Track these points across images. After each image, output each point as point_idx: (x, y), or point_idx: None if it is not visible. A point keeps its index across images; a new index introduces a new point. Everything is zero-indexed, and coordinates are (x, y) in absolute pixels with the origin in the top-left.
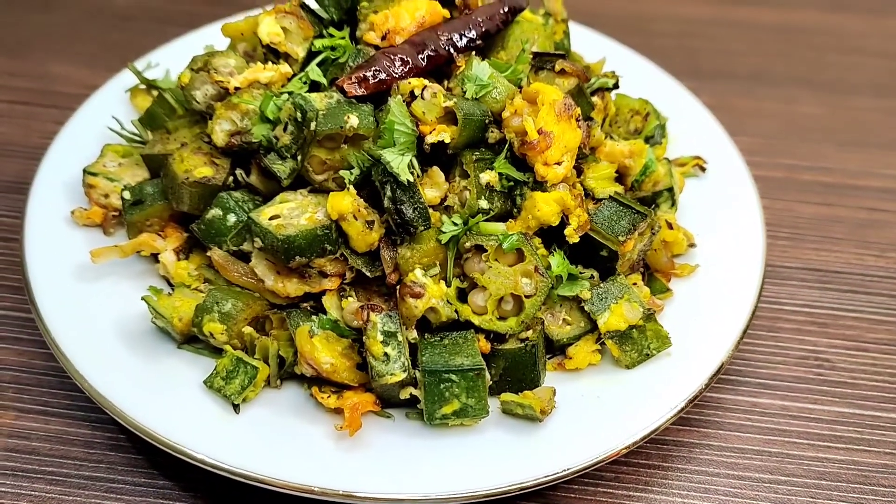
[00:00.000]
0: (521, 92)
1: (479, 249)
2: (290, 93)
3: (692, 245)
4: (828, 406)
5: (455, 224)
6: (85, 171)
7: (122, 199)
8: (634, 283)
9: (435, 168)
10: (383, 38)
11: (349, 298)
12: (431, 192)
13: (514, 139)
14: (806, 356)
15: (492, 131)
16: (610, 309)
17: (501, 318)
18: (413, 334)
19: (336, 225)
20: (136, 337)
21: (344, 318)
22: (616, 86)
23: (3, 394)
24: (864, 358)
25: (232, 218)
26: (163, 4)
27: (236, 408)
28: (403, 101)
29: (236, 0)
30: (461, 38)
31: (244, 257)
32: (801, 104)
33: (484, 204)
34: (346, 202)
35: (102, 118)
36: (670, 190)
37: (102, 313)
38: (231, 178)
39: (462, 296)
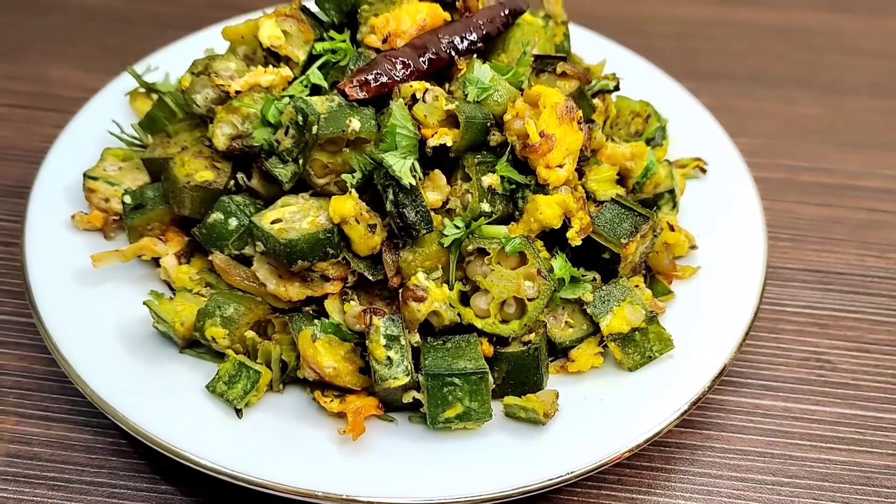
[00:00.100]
0: (522, 95)
1: (482, 253)
2: (291, 96)
3: (693, 247)
4: (830, 407)
5: (457, 227)
6: (85, 176)
7: (123, 203)
8: (636, 286)
9: (437, 171)
10: (384, 41)
11: (351, 302)
12: (433, 195)
13: (515, 142)
14: (808, 357)
15: (493, 134)
16: (612, 311)
17: (504, 322)
18: (416, 338)
19: (338, 228)
20: (138, 341)
21: (346, 321)
22: (617, 88)
23: (4, 399)
24: (865, 359)
25: (233, 222)
26: (161, 7)
27: (239, 412)
28: (405, 104)
29: (235, 3)
30: (462, 41)
31: (246, 261)
32: (800, 105)
33: (486, 207)
34: (348, 206)
35: (102, 122)
36: (671, 192)
37: (103, 318)
38: (232, 182)
39: (464, 299)
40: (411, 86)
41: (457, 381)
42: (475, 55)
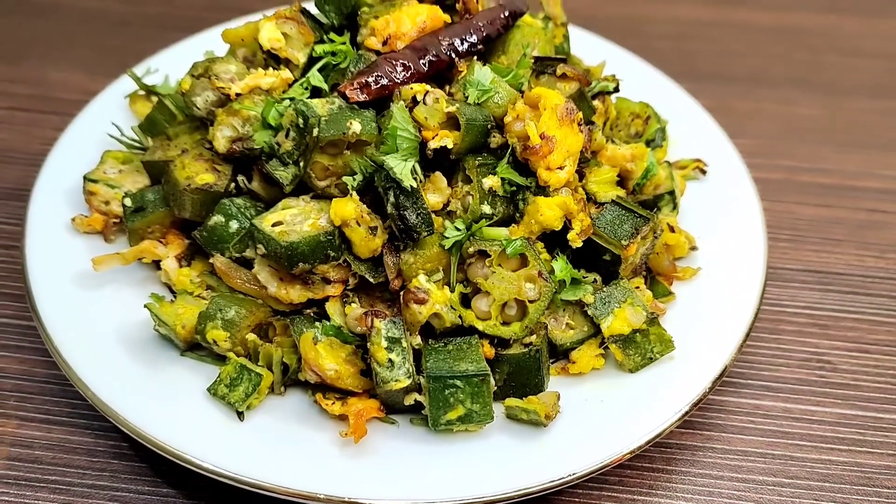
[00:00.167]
0: (522, 97)
1: (483, 255)
2: (291, 99)
3: (694, 248)
4: (830, 408)
5: (458, 229)
6: (85, 178)
7: (124, 206)
8: (637, 287)
9: (437, 173)
10: (384, 43)
11: (352, 305)
12: (434, 197)
13: (516, 144)
14: (808, 358)
15: (494, 136)
16: (613, 313)
17: (505, 324)
18: (417, 340)
19: (339, 231)
20: (139, 344)
21: (347, 324)
22: (616, 89)
23: (5, 402)
24: (865, 360)
25: (234, 225)
26: (160, 9)
27: (240, 415)
28: (406, 106)
29: (234, 4)
30: (462, 43)
31: (247, 264)
32: (799, 105)
33: (487, 209)
34: (349, 208)
35: (102, 124)
36: (671, 193)
37: (104, 321)
38: (233, 185)
39: (465, 301)
40: (412, 88)
41: (458, 383)
42: (475, 57)
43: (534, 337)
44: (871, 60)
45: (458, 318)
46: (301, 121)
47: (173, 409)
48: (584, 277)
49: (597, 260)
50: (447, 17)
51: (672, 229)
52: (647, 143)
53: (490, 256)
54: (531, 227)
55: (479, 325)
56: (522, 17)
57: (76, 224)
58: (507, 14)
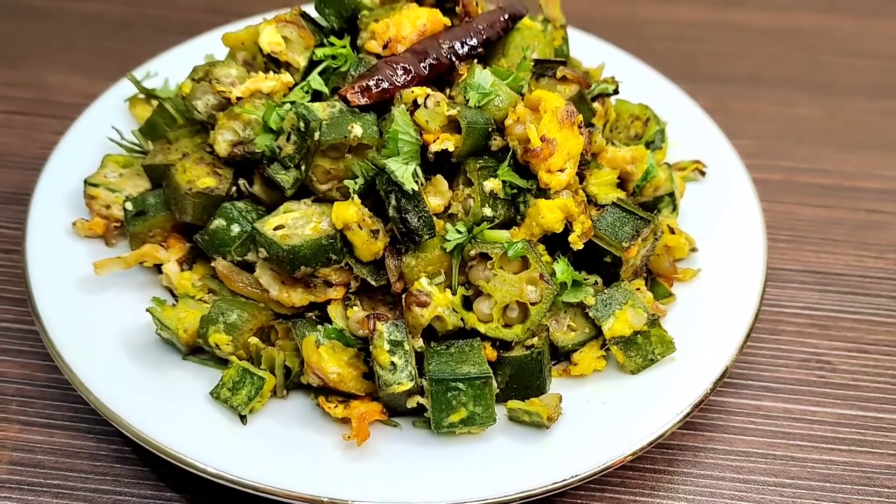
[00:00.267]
0: (522, 99)
1: (484, 257)
2: (292, 102)
3: (694, 249)
4: (830, 408)
5: (459, 232)
6: (86, 182)
7: (125, 209)
8: (638, 289)
9: (438, 176)
10: (385, 46)
11: (354, 308)
12: (435, 200)
13: (517, 147)
14: (808, 359)
15: (495, 139)
16: (614, 315)
17: (507, 326)
18: (419, 343)
19: (341, 234)
20: (141, 348)
21: (349, 327)
22: (616, 91)
23: (7, 407)
24: (865, 360)
25: (236, 228)
26: (160, 12)
27: (243, 419)
28: (406, 109)
29: (232, 8)
30: (462, 46)
31: (248, 267)
32: (797, 106)
33: (488, 212)
34: (350, 211)
35: (102, 128)
36: (671, 195)
37: (106, 325)
38: (234, 189)
39: (467, 304)
40: (413, 91)
41: (461, 385)
42: (475, 60)
43: (535, 339)
44: (869, 61)
45: (460, 320)
46: (302, 124)
47: (176, 412)
48: (585, 279)
49: (598, 262)
50: (447, 21)
51: (672, 231)
52: (647, 145)
53: (491, 259)
54: (532, 229)
55: (481, 328)
56: (522, 20)
57: (77, 228)
58: (506, 17)
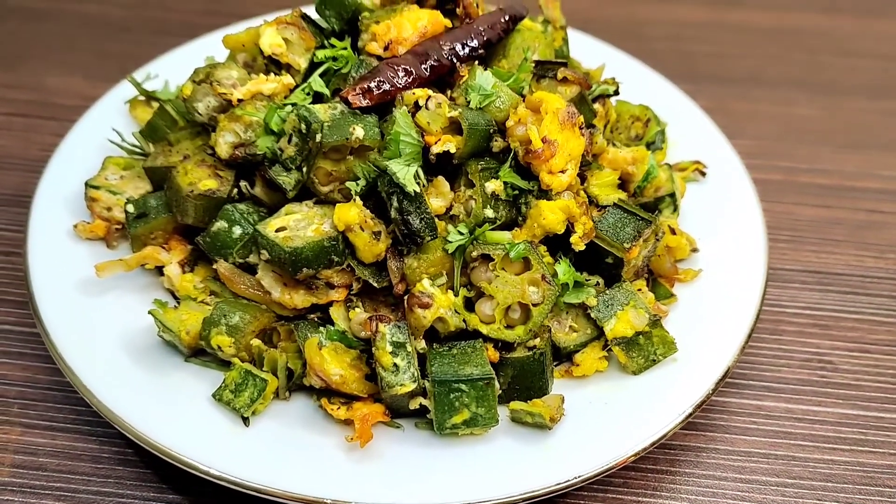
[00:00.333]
0: (524, 101)
1: (486, 258)
2: (293, 104)
3: (695, 250)
4: (832, 408)
5: (461, 233)
6: (87, 185)
7: (126, 212)
8: (639, 290)
9: (440, 178)
10: (386, 48)
11: (356, 309)
12: (437, 201)
13: (518, 148)
14: (809, 359)
15: (496, 140)
16: (616, 315)
17: (509, 327)
18: (421, 344)
19: (343, 236)
20: (143, 350)
21: (352, 329)
22: (616, 92)
23: (9, 409)
24: (866, 360)
25: (237, 230)
26: (159, 14)
27: (246, 421)
28: (408, 111)
29: (233, 10)
30: (463, 48)
31: (250, 269)
32: (797, 106)
33: (490, 213)
34: (352, 213)
35: (102, 130)
36: (672, 195)
37: (108, 327)
38: (235, 191)
39: (469, 305)
40: (414, 93)
41: (463, 387)
42: (476, 61)
43: (537, 340)
44: (869, 61)
45: (462, 321)
46: (304, 126)
47: (178, 414)
48: (586, 280)
49: (599, 263)
50: (448, 22)
51: (673, 231)
52: (648, 146)
53: (493, 260)
54: (534, 230)
55: (483, 329)
56: (522, 21)
57: (78, 230)
58: (507, 18)
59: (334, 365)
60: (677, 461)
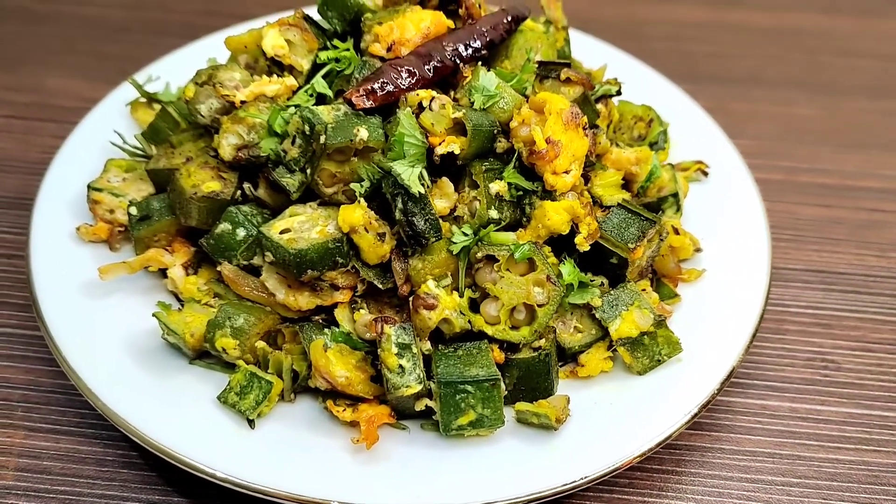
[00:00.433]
0: (527, 101)
1: (491, 259)
2: (297, 106)
3: (698, 250)
4: (836, 407)
5: (466, 234)
6: (89, 187)
7: (129, 214)
8: (643, 290)
9: (444, 179)
10: (388, 49)
11: (361, 311)
12: (441, 202)
13: (522, 149)
14: (812, 358)
15: (500, 141)
16: (621, 316)
17: (514, 328)
18: (427, 346)
19: (347, 238)
20: (147, 353)
21: (356, 330)
22: (619, 92)
23: (13, 413)
24: (869, 358)
25: (241, 232)
26: (158, 16)
27: (251, 423)
28: (412, 112)
29: (233, 11)
30: (466, 49)
31: (254, 271)
32: (797, 106)
33: (494, 214)
34: (357, 215)
35: (103, 132)
36: (675, 195)
37: (111, 330)
38: (239, 192)
39: (474, 306)
40: (418, 94)
41: (469, 388)
42: (479, 62)
43: (543, 341)
44: (868, 61)
45: (468, 323)
46: (307, 128)
47: (183, 416)
48: (591, 281)
49: (603, 263)
50: (450, 23)
51: (676, 231)
52: (650, 146)
53: (498, 261)
54: (538, 231)
55: (489, 330)
56: (524, 22)
57: (81, 233)
58: (509, 19)
59: (340, 367)
60: (683, 461)
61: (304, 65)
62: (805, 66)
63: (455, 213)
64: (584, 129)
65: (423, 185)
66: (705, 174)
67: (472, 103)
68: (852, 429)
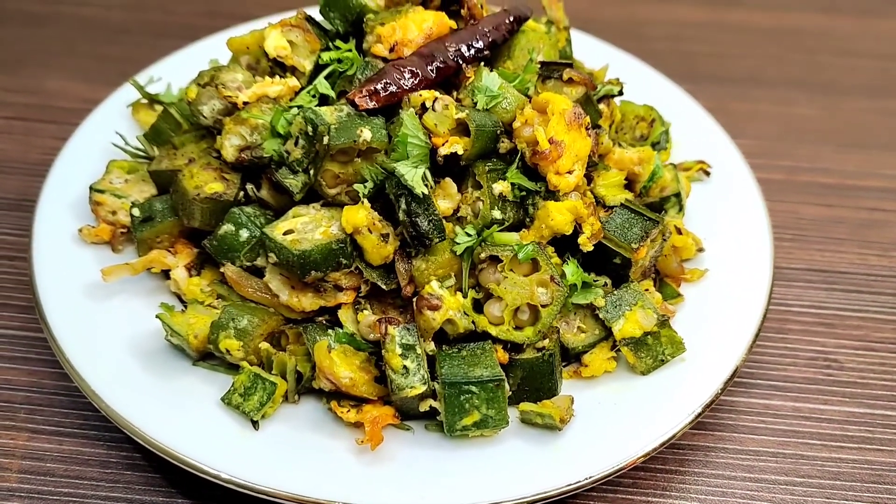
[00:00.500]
0: (530, 102)
1: (494, 260)
2: (300, 107)
3: (701, 250)
4: (839, 406)
5: (469, 235)
6: (91, 189)
7: (132, 215)
8: (647, 290)
9: (447, 179)
10: (391, 50)
11: (364, 312)
12: (444, 203)
13: (525, 149)
14: (815, 357)
15: (503, 141)
16: (624, 316)
17: (518, 328)
18: (431, 346)
19: (351, 238)
20: (150, 355)
21: (360, 331)
22: (621, 92)
23: (15, 415)
24: (872, 357)
25: (245, 233)
26: (158, 17)
27: (255, 424)
28: (415, 113)
29: (233, 12)
30: (469, 49)
31: (257, 272)
32: (797, 106)
33: (497, 214)
34: (360, 215)
35: (105, 134)
36: (677, 195)
37: (114, 331)
38: (241, 194)
39: (478, 307)
40: (421, 95)
41: (474, 388)
42: (482, 63)
43: (546, 341)
44: (868, 60)
45: (472, 323)
46: (310, 129)
47: (187, 418)
48: (594, 281)
49: (607, 263)
50: (453, 24)
51: (679, 231)
52: (653, 146)
53: (502, 262)
54: (542, 231)
55: (493, 331)
56: (526, 22)
57: (83, 235)
58: (511, 19)
59: (344, 368)
60: (686, 461)
61: (307, 66)
62: (805, 66)
63: (458, 214)
64: (587, 129)
65: (426, 185)
66: (707, 174)
67: (475, 104)
68: (855, 428)
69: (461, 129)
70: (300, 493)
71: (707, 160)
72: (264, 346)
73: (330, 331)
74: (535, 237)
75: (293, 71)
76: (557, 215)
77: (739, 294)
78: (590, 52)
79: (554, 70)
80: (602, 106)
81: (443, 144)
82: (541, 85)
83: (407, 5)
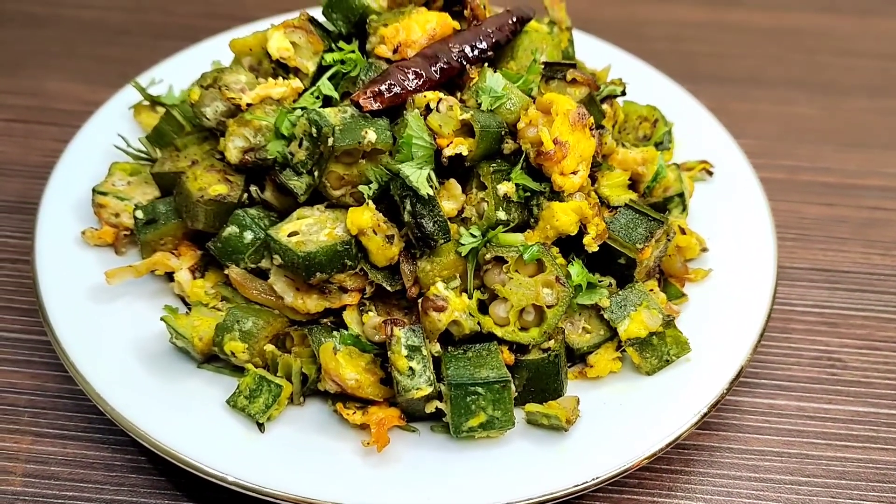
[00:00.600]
0: (534, 102)
1: (499, 261)
2: (303, 108)
3: (704, 249)
4: (843, 406)
5: (474, 236)
6: (94, 191)
7: (135, 218)
8: (651, 290)
9: (452, 180)
10: (395, 51)
11: (369, 313)
12: (449, 204)
13: (529, 150)
14: (819, 356)
15: (507, 142)
16: (629, 316)
17: (523, 329)
18: (436, 348)
19: (356, 240)
20: (154, 357)
21: (365, 332)
22: (624, 93)
23: (19, 418)
24: (875, 357)
25: (249, 235)
26: (158, 18)
27: (261, 426)
28: (420, 114)
29: (234, 13)
30: (472, 50)
31: (262, 274)
32: (797, 106)
33: (502, 215)
34: (365, 217)
35: (107, 136)
36: (681, 195)
37: (119, 334)
38: (245, 195)
39: (483, 308)
40: (425, 96)
41: (480, 390)
42: (486, 64)
43: (552, 342)
44: (868, 60)
45: (477, 324)
46: (314, 130)
47: (192, 421)
48: (599, 281)
49: (611, 264)
50: (456, 24)
51: (683, 231)
52: (656, 146)
53: (507, 262)
54: (546, 232)
55: (498, 332)
56: (529, 23)
57: (86, 237)
58: (514, 20)
59: (349, 369)
60: (692, 461)
61: (310, 67)
62: (805, 65)
63: (463, 215)
64: (591, 129)
65: (431, 186)
66: (710, 174)
67: (480, 105)
68: (860, 427)
69: (465, 130)
70: (306, 496)
71: (709, 160)
72: (269, 348)
73: (335, 332)
74: (539, 238)
75: (296, 72)
76: (562, 216)
77: (743, 294)
78: (591, 52)
79: (557, 70)
80: (605, 106)
81: (447, 145)
82: (544, 85)
83: (410, 6)
